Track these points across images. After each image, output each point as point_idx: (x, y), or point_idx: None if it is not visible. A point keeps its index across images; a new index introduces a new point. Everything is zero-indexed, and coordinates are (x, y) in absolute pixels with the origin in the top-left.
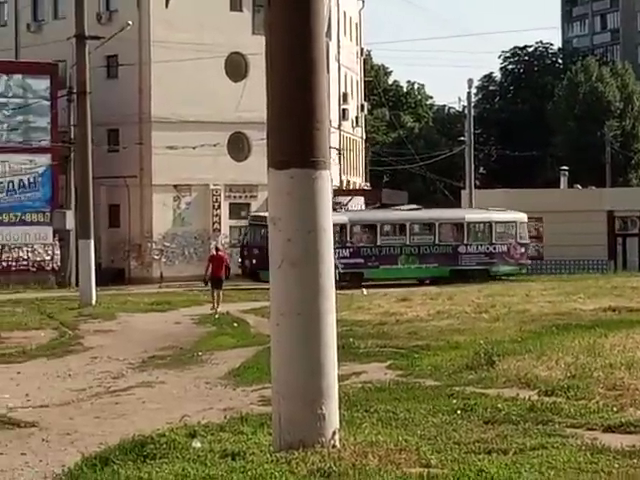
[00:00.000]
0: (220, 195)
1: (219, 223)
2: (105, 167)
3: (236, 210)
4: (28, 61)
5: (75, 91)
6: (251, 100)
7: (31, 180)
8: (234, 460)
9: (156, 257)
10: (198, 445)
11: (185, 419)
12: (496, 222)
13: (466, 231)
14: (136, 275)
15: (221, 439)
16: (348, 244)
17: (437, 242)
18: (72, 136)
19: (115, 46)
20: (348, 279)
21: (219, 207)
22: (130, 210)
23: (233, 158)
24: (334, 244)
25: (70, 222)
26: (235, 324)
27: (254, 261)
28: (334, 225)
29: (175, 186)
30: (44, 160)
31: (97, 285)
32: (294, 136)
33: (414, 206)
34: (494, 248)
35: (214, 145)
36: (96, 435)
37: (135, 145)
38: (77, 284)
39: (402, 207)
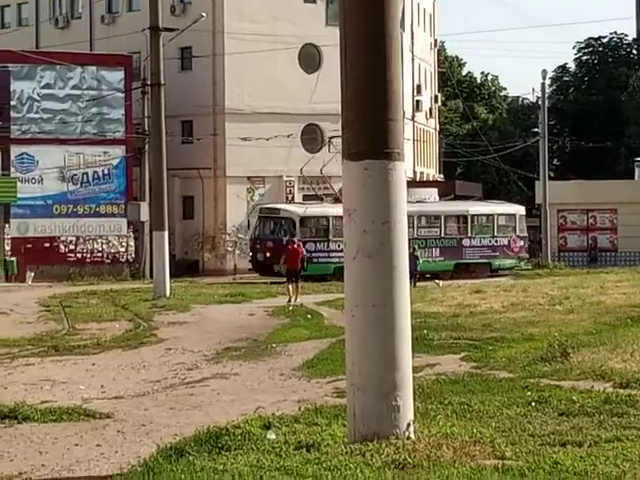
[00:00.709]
0: (293, 187)
1: None
2: (179, 159)
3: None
4: (102, 53)
5: (149, 83)
6: (324, 91)
7: (105, 172)
8: (309, 452)
9: (230, 249)
10: (273, 437)
11: (259, 411)
12: (498, 215)
13: (470, 224)
14: (210, 267)
15: (295, 430)
16: None
17: (443, 235)
18: (146, 128)
19: (189, 38)
20: None
21: (293, 199)
22: (204, 202)
23: (306, 149)
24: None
25: (144, 214)
26: (309, 316)
27: (268, 255)
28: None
29: (249, 178)
30: (118, 152)
31: (171, 277)
32: (368, 127)
33: (420, 197)
34: (496, 241)
35: (287, 136)
36: (171, 426)
37: (209, 137)
38: (151, 276)
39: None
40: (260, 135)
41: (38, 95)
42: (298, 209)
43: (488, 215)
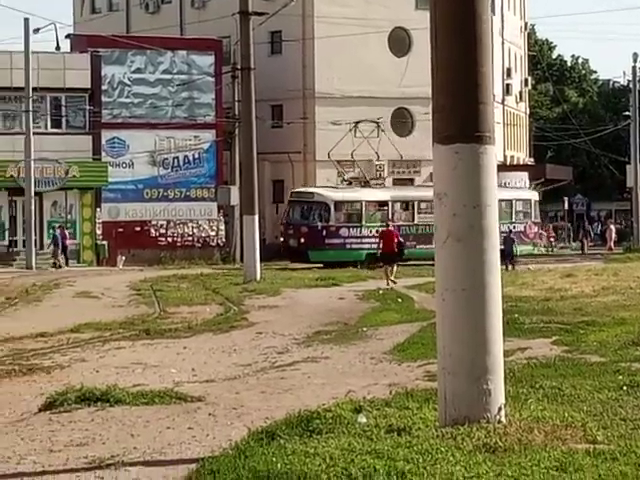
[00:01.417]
0: (384, 170)
1: None
2: (269, 143)
3: (399, 185)
4: (193, 38)
5: (239, 67)
6: (414, 75)
7: (196, 156)
8: (400, 435)
9: None
10: (364, 420)
11: (350, 394)
12: (516, 200)
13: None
14: None
15: (387, 414)
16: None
17: None
18: (236, 112)
19: (279, 22)
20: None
21: (383, 183)
22: (294, 186)
23: (396, 133)
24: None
25: (235, 198)
26: (399, 300)
27: (302, 240)
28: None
29: (338, 161)
30: (208, 136)
31: (261, 261)
32: (459, 111)
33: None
34: (514, 227)
35: (377, 120)
36: (262, 410)
37: (299, 121)
38: (242, 260)
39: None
40: (350, 119)
41: (129, 80)
42: (333, 193)
43: (508, 200)
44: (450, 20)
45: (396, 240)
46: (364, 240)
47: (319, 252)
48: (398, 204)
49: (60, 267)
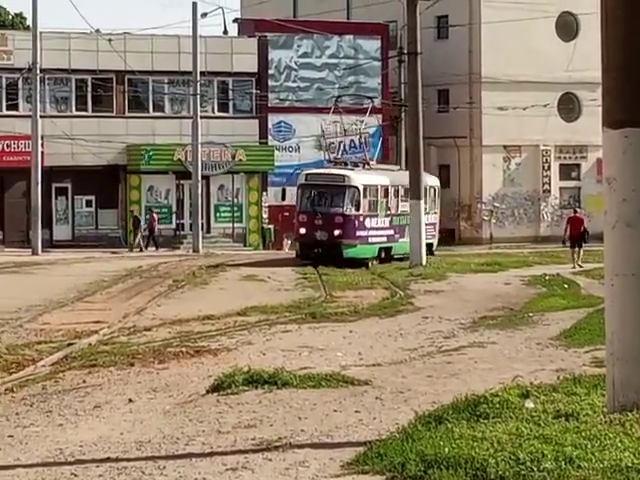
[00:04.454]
0: (550, 156)
1: (549, 184)
2: (435, 127)
3: (566, 171)
4: (359, 22)
5: (406, 52)
6: (582, 60)
7: (361, 141)
8: (567, 421)
9: (486, 218)
10: (531, 405)
11: (517, 379)
12: None
13: None
14: (466, 235)
15: (554, 400)
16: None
17: None
18: (402, 96)
19: (445, 6)
20: None
21: (549, 168)
22: (460, 170)
23: (563, 119)
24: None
25: None
26: (565, 285)
27: (336, 232)
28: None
29: (505, 147)
30: (374, 120)
31: None
32: (630, 94)
33: None
34: None
35: (544, 106)
36: (429, 394)
37: (465, 105)
38: None
39: None
40: (516, 104)
41: (296, 64)
42: (359, 176)
43: None
44: (622, 2)
45: (582, 226)
46: (379, 232)
47: (351, 248)
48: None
49: (141, 250)
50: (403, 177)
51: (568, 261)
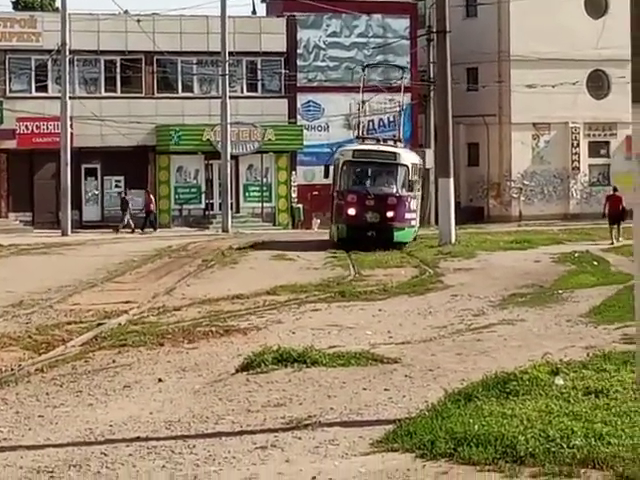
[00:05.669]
0: (579, 133)
1: (578, 161)
2: (464, 106)
3: (595, 148)
4: (388, 1)
5: (434, 30)
6: (611, 37)
7: (391, 119)
8: (597, 397)
9: (515, 196)
10: (561, 382)
11: (547, 356)
12: None
13: None
14: (495, 213)
15: (584, 376)
16: None
17: None
18: (431, 75)
19: None
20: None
21: (578, 145)
22: (489, 149)
23: (592, 96)
24: None
25: (430, 161)
26: (595, 262)
27: (389, 214)
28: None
29: (534, 124)
30: (404, 99)
31: (456, 223)
32: None
33: None
34: None
35: (573, 83)
36: (458, 371)
37: (494, 84)
38: (437, 222)
39: None
40: (545, 81)
41: (324, 43)
42: (408, 154)
43: None
44: None
45: (621, 205)
46: (416, 215)
47: (401, 231)
48: None
49: (133, 232)
50: (415, 156)
51: (598, 238)
